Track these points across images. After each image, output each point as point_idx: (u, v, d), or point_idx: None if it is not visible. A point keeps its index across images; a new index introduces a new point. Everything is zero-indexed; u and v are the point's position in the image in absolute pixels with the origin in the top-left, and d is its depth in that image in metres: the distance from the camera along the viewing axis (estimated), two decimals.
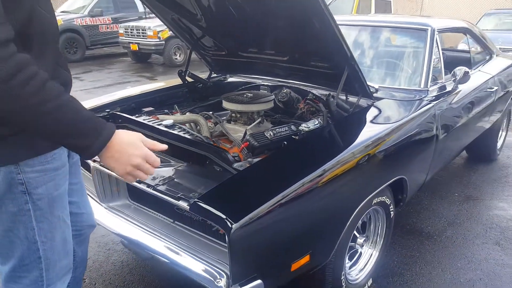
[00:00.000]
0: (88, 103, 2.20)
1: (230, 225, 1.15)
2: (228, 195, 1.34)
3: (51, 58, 1.02)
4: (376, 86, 2.21)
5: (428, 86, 2.27)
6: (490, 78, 3.04)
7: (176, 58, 9.34)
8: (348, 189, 1.59)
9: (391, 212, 2.00)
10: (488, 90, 2.94)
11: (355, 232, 1.80)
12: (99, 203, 1.64)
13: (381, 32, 2.64)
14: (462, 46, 3.60)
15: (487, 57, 3.40)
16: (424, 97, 2.20)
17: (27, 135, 0.96)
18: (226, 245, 1.18)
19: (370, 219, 1.99)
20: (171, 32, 5.54)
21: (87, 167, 1.64)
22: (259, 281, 1.23)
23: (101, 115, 2.02)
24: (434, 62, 2.39)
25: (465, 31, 3.15)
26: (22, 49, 0.88)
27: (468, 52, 3.35)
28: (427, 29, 2.45)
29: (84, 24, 9.55)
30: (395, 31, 2.62)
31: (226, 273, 1.23)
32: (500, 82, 3.21)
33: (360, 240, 1.92)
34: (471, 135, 2.99)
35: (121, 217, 1.57)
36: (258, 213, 1.21)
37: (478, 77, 2.93)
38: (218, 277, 1.22)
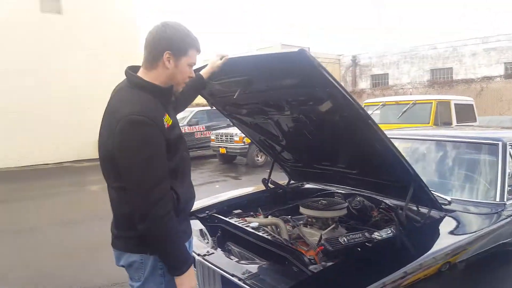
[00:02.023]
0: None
1: None
2: None
3: (187, 182, 1.54)
4: (449, 199, 2.29)
5: (505, 200, 2.28)
6: None
7: (258, 160, 10.14)
8: None
9: None
10: None
11: None
12: None
13: (452, 146, 2.80)
14: None
15: None
16: (502, 210, 2.21)
17: None
18: None
19: None
20: None
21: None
22: None
23: (202, 215, 2.45)
24: (510, 175, 2.43)
25: None
26: (173, 179, 1.39)
27: None
28: (498, 143, 2.54)
29: (184, 132, 11.08)
30: (465, 146, 2.75)
31: None
32: None
33: None
34: None
35: None
36: None
37: None
38: None
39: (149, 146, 1.36)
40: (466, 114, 8.59)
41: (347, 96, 1.66)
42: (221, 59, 1.96)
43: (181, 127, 1.64)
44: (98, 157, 1.52)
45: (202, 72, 2.00)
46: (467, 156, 2.73)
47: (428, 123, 7.52)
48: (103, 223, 5.20)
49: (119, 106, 1.42)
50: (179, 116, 11.40)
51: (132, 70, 1.52)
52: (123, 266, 1.55)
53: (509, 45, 17.94)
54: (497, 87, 16.10)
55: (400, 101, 8.46)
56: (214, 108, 2.62)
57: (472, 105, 9.09)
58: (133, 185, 1.37)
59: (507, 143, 2.56)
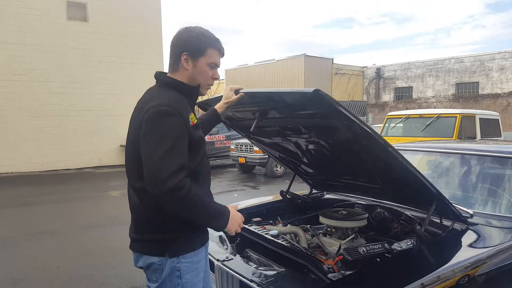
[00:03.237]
0: None
1: None
2: None
3: (206, 187, 1.58)
4: (471, 212, 2.27)
5: None
6: None
7: (277, 170, 10.14)
8: None
9: None
10: None
11: None
12: None
13: (475, 160, 2.75)
14: None
15: None
16: None
17: (188, 238, 1.48)
18: None
19: None
20: None
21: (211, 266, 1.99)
22: None
23: None
24: None
25: None
26: (193, 181, 1.40)
27: None
28: None
29: None
30: (489, 160, 2.71)
31: None
32: None
33: None
34: None
35: None
36: None
37: None
38: None
39: (173, 135, 1.37)
40: (491, 128, 8.39)
41: (365, 128, 1.66)
42: (235, 93, 1.95)
43: None
44: (118, 163, 1.59)
45: (216, 107, 2.02)
46: (491, 170, 2.69)
47: (452, 136, 7.39)
48: (122, 228, 5.33)
49: (148, 100, 1.47)
50: None
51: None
52: (141, 267, 1.56)
53: None
54: None
55: (424, 114, 8.32)
56: (231, 130, 2.64)
57: (497, 119, 8.88)
58: (151, 172, 1.35)
59: None
